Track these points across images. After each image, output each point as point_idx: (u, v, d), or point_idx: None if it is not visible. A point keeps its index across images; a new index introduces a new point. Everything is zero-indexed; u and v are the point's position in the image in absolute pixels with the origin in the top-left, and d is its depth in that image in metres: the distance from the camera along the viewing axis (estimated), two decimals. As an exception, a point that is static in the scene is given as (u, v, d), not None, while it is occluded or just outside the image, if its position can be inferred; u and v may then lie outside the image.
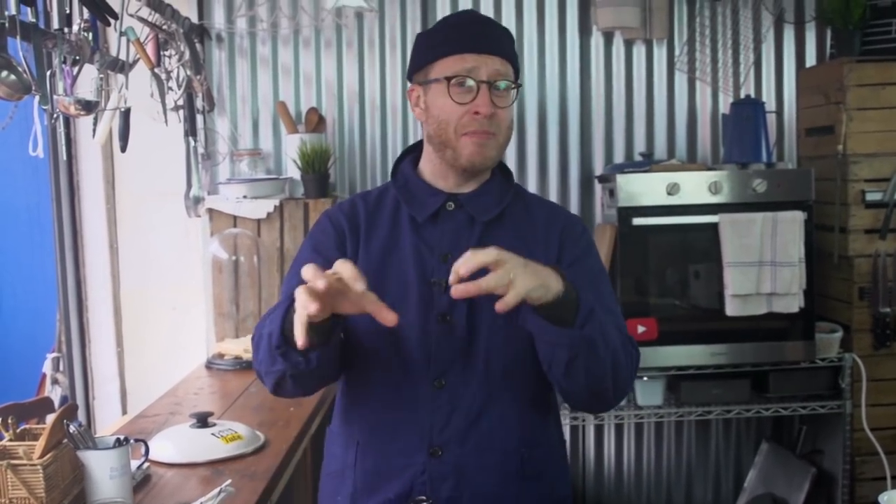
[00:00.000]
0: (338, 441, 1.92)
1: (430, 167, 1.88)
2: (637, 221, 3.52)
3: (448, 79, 1.77)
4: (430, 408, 1.77)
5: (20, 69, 2.13)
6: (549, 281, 1.53)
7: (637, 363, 1.78)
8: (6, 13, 2.12)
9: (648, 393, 3.73)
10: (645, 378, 3.70)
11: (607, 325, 1.65)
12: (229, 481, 2.21)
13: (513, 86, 1.80)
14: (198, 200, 3.64)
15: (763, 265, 3.48)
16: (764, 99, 4.00)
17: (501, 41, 1.82)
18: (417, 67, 1.84)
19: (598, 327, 1.60)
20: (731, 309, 3.50)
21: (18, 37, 2.17)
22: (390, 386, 1.81)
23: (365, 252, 1.85)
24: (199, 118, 3.73)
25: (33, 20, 2.30)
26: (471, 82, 1.75)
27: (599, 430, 4.21)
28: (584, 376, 1.64)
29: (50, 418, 3.04)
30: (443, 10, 3.99)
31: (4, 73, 2.07)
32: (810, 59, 4.07)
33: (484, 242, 1.74)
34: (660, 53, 4.07)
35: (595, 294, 1.72)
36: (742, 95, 4.00)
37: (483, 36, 1.80)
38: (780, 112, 4.07)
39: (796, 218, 3.50)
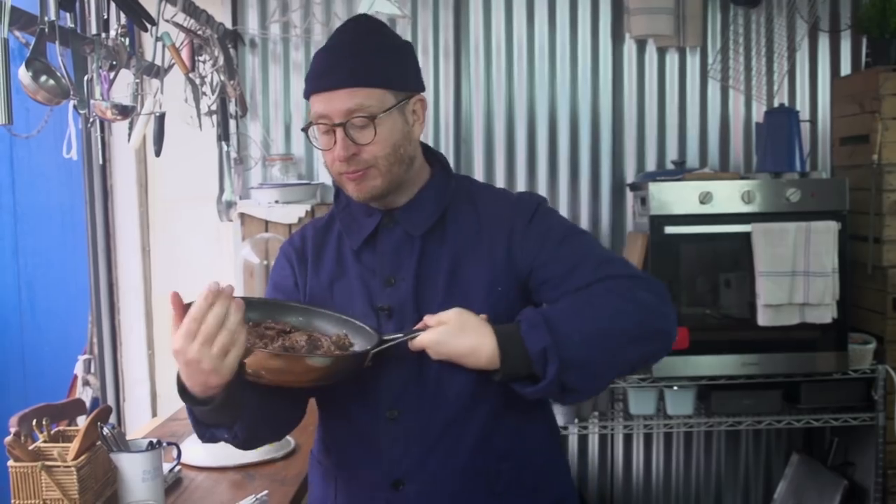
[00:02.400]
0: (316, 470, 1.88)
1: None
2: (669, 230, 3.51)
3: (305, 130, 1.73)
4: (386, 441, 1.70)
5: (59, 74, 2.14)
6: (479, 349, 1.58)
7: (654, 284, 1.68)
8: (46, 19, 2.14)
9: (678, 402, 3.70)
10: (675, 387, 3.68)
11: (586, 313, 1.60)
12: (266, 492, 2.22)
13: (370, 121, 1.63)
14: (230, 205, 3.65)
15: (796, 275, 3.45)
16: (798, 108, 3.97)
17: (354, 68, 1.64)
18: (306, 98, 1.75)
19: (575, 341, 1.56)
20: (764, 319, 3.47)
21: (58, 42, 2.19)
22: (346, 419, 1.76)
23: (315, 282, 1.81)
24: (233, 123, 3.76)
25: (72, 26, 2.32)
26: (324, 128, 1.66)
27: (628, 438, 4.19)
28: (609, 372, 1.64)
29: (81, 420, 3.07)
30: (476, 15, 4.00)
31: (44, 79, 2.09)
32: (845, 68, 4.04)
33: (424, 259, 1.73)
34: (693, 61, 4.05)
35: (569, 255, 1.69)
36: (776, 104, 3.97)
37: (329, 70, 1.66)
38: (814, 121, 4.04)
39: (830, 228, 3.47)
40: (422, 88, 1.76)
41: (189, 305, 1.48)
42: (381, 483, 1.71)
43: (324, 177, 3.90)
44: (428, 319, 1.61)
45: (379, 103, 1.65)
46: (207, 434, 1.64)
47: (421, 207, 1.76)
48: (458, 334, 1.58)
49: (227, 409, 1.54)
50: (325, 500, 1.82)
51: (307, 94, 1.70)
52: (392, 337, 1.64)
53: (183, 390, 1.55)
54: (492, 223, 1.75)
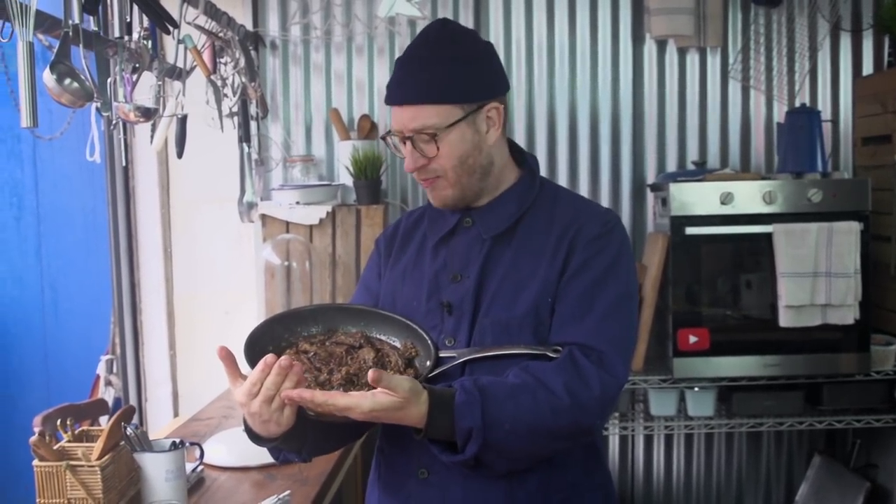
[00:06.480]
0: (376, 453, 1.91)
1: None
2: (690, 231, 3.50)
3: (383, 138, 1.81)
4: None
5: (83, 77, 2.16)
6: (409, 415, 1.54)
7: (611, 381, 1.65)
8: (70, 22, 2.15)
9: (699, 403, 3.69)
10: (696, 388, 3.67)
11: (524, 403, 1.58)
12: (288, 492, 2.23)
13: (432, 138, 1.69)
14: (251, 206, 3.66)
15: (818, 276, 3.44)
16: (819, 108, 3.95)
17: (423, 84, 1.70)
18: None
19: (503, 428, 1.56)
20: (785, 320, 3.46)
21: (81, 45, 2.20)
22: None
23: (389, 273, 1.89)
24: (254, 124, 3.77)
25: (95, 29, 2.34)
26: (396, 139, 1.76)
27: (649, 440, 4.18)
28: (523, 460, 1.65)
29: (104, 420, 3.09)
30: (495, 16, 4.00)
31: (68, 81, 2.10)
32: (867, 68, 4.02)
33: (489, 260, 1.77)
34: (713, 61, 4.04)
35: (584, 304, 1.68)
36: (797, 104, 3.95)
37: (400, 83, 1.74)
38: (835, 121, 4.02)
39: (852, 228, 3.45)
40: (500, 93, 1.79)
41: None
42: (409, 470, 1.75)
43: (344, 178, 3.90)
44: (373, 376, 1.51)
45: (443, 119, 1.70)
46: (281, 457, 1.75)
47: (497, 211, 1.81)
48: (400, 408, 1.53)
49: (292, 442, 1.64)
50: (374, 479, 1.89)
51: (386, 102, 1.79)
52: (448, 354, 1.70)
53: (249, 429, 1.64)
54: (561, 231, 1.77)
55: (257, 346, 1.63)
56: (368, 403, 1.49)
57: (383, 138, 1.81)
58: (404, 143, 1.74)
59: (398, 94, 1.73)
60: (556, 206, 1.82)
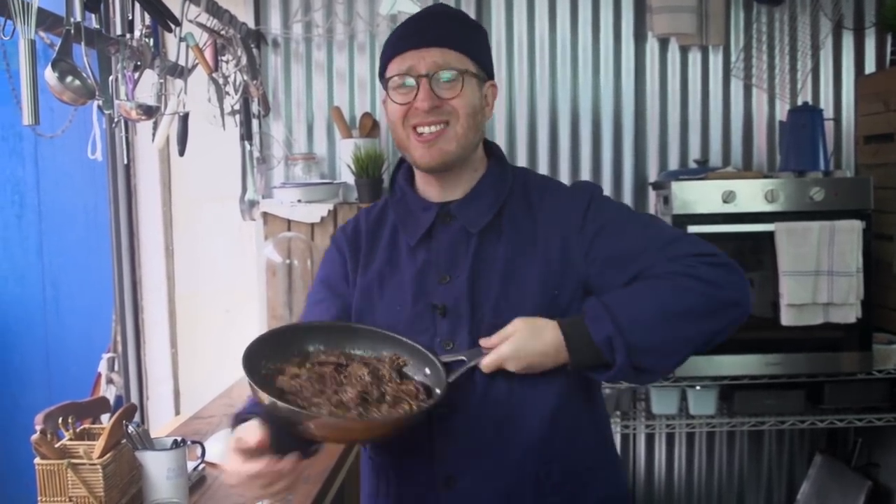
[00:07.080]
0: (366, 465, 1.87)
1: (418, 175, 1.82)
2: (692, 229, 3.48)
3: (386, 82, 1.74)
4: (440, 440, 1.68)
5: (84, 75, 2.16)
6: (552, 347, 1.59)
7: (720, 255, 1.65)
8: (72, 20, 2.15)
9: (701, 402, 3.69)
10: (697, 387, 3.66)
11: (648, 296, 1.59)
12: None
13: (459, 76, 1.69)
14: (252, 204, 3.67)
15: (820, 275, 3.43)
16: (822, 106, 3.95)
17: (446, 32, 1.73)
18: (380, 74, 1.80)
19: (639, 326, 1.56)
20: (787, 318, 3.45)
21: (83, 43, 2.20)
22: None
23: (362, 277, 1.80)
24: (255, 122, 3.77)
25: (97, 27, 2.34)
26: (410, 80, 1.69)
27: (650, 438, 4.18)
28: (681, 350, 1.63)
29: (105, 418, 3.09)
30: (497, 14, 4.00)
31: (69, 79, 2.10)
32: (870, 66, 4.01)
33: (480, 257, 1.71)
34: (716, 60, 4.03)
35: (630, 244, 1.66)
36: (799, 102, 3.95)
37: (423, 30, 1.73)
38: (838, 119, 4.01)
39: (854, 227, 3.45)
40: (493, 77, 1.82)
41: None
42: (430, 481, 1.69)
43: (346, 176, 3.90)
44: (485, 342, 1.63)
45: (465, 67, 1.72)
46: None
47: (477, 201, 1.75)
48: (532, 338, 1.59)
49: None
50: (374, 494, 1.83)
51: (390, 57, 1.74)
52: (452, 358, 1.64)
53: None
54: (546, 220, 1.73)
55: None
56: (507, 349, 1.60)
57: (387, 82, 1.74)
58: (417, 86, 1.68)
59: (423, 38, 1.71)
60: (530, 192, 1.79)
